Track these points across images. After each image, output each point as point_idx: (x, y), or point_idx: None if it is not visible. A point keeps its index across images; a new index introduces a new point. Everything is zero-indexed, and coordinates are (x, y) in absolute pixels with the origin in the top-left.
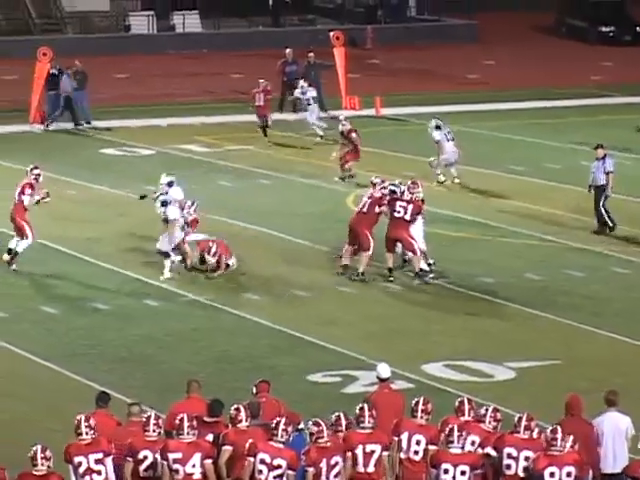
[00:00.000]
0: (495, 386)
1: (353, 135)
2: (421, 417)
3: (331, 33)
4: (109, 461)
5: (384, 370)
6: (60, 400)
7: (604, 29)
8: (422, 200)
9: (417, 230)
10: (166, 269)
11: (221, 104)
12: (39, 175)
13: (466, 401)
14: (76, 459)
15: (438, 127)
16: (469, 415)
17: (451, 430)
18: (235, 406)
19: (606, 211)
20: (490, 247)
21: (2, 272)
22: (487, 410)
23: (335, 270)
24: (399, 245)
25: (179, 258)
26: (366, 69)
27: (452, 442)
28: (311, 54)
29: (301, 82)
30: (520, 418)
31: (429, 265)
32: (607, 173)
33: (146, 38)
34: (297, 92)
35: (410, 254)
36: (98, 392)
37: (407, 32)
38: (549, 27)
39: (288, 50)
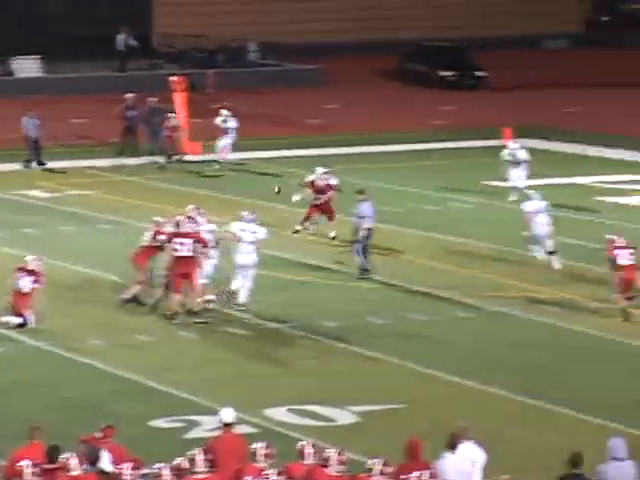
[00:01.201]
0: (338, 430)
1: (330, 192)
2: (263, 462)
3: (172, 78)
4: None
5: (227, 415)
6: None
7: (445, 74)
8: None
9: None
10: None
11: (63, 149)
12: None
13: (308, 445)
14: None
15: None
16: (311, 459)
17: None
18: (67, 454)
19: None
20: (333, 291)
21: None
22: (331, 453)
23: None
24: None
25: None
26: (208, 114)
27: None
28: (152, 99)
29: (224, 111)
30: (374, 464)
31: (239, 306)
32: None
33: None
34: (218, 120)
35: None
36: None
37: (248, 77)
38: (391, 71)
39: (129, 95)
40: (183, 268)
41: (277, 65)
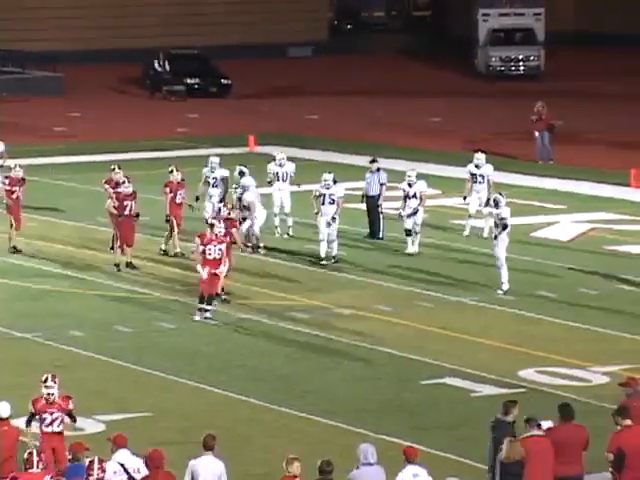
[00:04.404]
0: (86, 439)
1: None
2: None
3: None
4: None
5: (3, 409)
6: None
7: (190, 81)
8: None
9: None
10: None
11: None
12: None
13: (35, 453)
14: None
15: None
16: (38, 467)
17: None
18: None
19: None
20: (80, 300)
21: None
22: (93, 462)
23: None
24: None
25: None
26: None
27: None
28: None
29: None
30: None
31: None
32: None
33: None
34: None
35: None
36: None
37: None
38: (137, 79)
39: None
40: None
41: (19, 72)
